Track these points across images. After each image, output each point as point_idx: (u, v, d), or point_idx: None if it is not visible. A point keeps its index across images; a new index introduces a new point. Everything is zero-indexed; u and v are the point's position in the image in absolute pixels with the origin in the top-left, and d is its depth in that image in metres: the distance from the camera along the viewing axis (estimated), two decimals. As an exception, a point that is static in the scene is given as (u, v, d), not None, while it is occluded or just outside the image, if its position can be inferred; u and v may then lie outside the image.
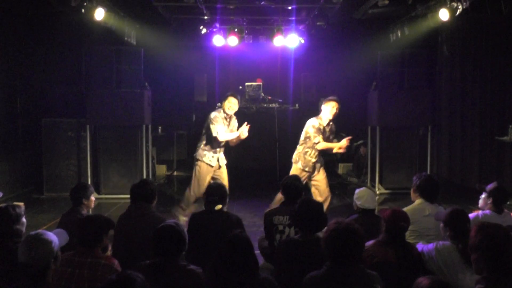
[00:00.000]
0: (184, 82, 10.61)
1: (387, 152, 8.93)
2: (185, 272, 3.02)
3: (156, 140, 9.87)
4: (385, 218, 3.47)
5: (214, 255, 2.99)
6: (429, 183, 4.38)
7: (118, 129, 8.48)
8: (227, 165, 6.52)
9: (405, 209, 4.06)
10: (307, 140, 6.18)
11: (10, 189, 8.20)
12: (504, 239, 2.65)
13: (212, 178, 6.30)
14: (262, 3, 8.45)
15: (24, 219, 3.61)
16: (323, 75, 10.63)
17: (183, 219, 5.77)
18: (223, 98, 6.40)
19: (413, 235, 4.05)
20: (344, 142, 6.06)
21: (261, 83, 9.89)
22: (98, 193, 8.49)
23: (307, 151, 6.17)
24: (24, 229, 3.60)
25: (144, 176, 8.33)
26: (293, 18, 9.51)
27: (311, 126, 6.14)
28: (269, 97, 9.79)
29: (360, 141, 10.15)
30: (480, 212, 4.36)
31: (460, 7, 7.02)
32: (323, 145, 6.12)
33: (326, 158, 6.38)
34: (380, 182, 8.86)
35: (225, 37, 9.62)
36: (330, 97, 6.23)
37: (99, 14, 7.48)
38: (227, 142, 6.36)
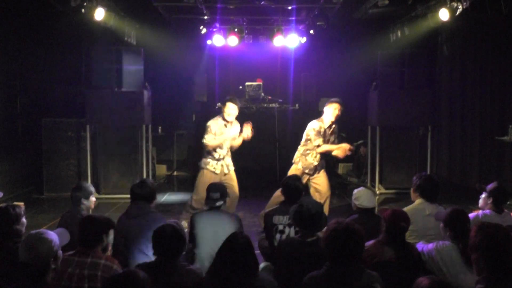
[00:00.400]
0: (184, 82, 10.61)
1: (387, 152, 8.93)
2: (185, 272, 3.02)
3: (156, 140, 9.86)
4: (385, 218, 3.47)
5: (214, 255, 2.98)
6: (429, 183, 4.38)
7: (118, 129, 8.48)
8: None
9: (405, 209, 4.06)
10: (308, 142, 6.17)
11: (10, 189, 8.20)
12: (504, 239, 2.65)
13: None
14: (262, 3, 8.45)
15: (24, 219, 3.61)
16: (323, 75, 10.63)
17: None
18: (222, 103, 6.28)
19: (413, 235, 4.05)
20: (346, 146, 6.04)
21: (261, 83, 9.89)
22: (98, 193, 8.49)
23: (308, 153, 6.17)
24: (24, 229, 3.60)
25: (144, 176, 8.33)
26: (293, 18, 9.51)
27: (312, 129, 6.11)
28: (269, 97, 9.79)
29: (360, 141, 10.15)
30: (480, 212, 4.36)
31: (460, 7, 7.02)
32: (324, 148, 6.09)
33: (326, 158, 6.37)
34: (380, 182, 8.87)
35: (225, 37, 9.62)
36: (333, 99, 6.21)
37: (99, 14, 7.48)
38: (231, 148, 6.25)
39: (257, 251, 3.81)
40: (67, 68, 9.28)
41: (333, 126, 6.25)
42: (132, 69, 8.42)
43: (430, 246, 3.49)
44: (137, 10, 8.91)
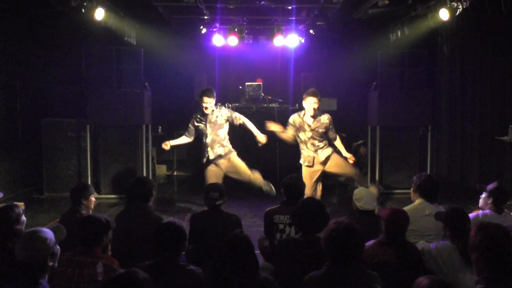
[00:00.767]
0: (184, 82, 10.61)
1: (387, 152, 8.93)
2: (185, 272, 3.02)
3: (156, 140, 9.85)
4: (384, 218, 3.47)
5: (214, 255, 2.99)
6: (429, 183, 4.39)
7: (118, 129, 8.48)
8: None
9: (405, 208, 4.06)
10: (298, 138, 6.37)
11: (10, 189, 8.20)
12: (504, 239, 2.65)
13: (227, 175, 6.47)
14: (262, 3, 8.45)
15: (23, 218, 3.61)
16: (323, 75, 10.62)
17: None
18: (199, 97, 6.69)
19: (413, 235, 4.05)
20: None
21: (261, 83, 9.88)
22: (98, 193, 8.49)
23: (301, 147, 6.37)
24: (24, 228, 3.60)
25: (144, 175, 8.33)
26: (293, 18, 9.51)
27: (288, 123, 6.40)
28: (269, 97, 9.78)
29: (360, 141, 10.14)
30: (480, 212, 4.37)
31: (460, 7, 7.02)
32: (273, 128, 6.37)
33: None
34: (380, 182, 8.86)
35: (225, 37, 9.62)
36: (308, 91, 6.32)
37: (99, 14, 7.48)
38: (213, 139, 6.47)
39: (257, 251, 3.82)
40: (67, 68, 9.27)
41: (321, 117, 6.29)
42: (132, 69, 8.41)
43: (430, 246, 3.49)
44: (137, 10, 8.90)
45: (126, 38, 8.95)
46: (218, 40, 9.66)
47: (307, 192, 5.96)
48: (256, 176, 6.61)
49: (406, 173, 8.73)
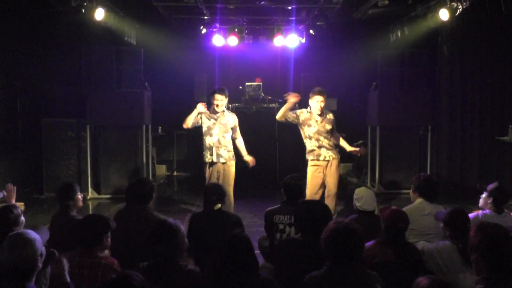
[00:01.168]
0: (184, 82, 10.60)
1: (387, 152, 8.93)
2: (184, 273, 3.02)
3: (156, 140, 9.86)
4: (384, 218, 3.47)
5: (214, 255, 2.98)
6: (428, 183, 4.39)
7: (118, 129, 8.48)
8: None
9: (404, 208, 4.07)
10: (303, 133, 6.36)
11: (10, 189, 8.19)
12: (504, 239, 2.64)
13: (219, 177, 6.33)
14: (262, 3, 8.45)
15: (22, 218, 3.60)
16: (323, 75, 10.60)
17: None
18: (210, 94, 6.54)
19: (412, 234, 4.06)
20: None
21: (261, 83, 9.88)
22: (98, 193, 8.50)
23: (305, 142, 6.35)
24: (23, 228, 3.59)
25: (144, 176, 8.33)
26: (293, 18, 9.50)
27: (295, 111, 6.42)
28: (269, 97, 9.78)
29: (360, 141, 10.14)
30: (480, 212, 4.36)
31: (460, 7, 7.02)
32: (280, 112, 6.42)
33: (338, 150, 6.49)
34: (380, 182, 8.86)
35: (225, 37, 9.61)
36: (314, 90, 6.33)
37: (99, 14, 7.48)
38: (219, 140, 6.32)
39: (257, 251, 3.81)
40: (67, 68, 9.27)
41: (327, 114, 6.33)
42: (132, 69, 8.42)
43: (430, 246, 3.49)
44: (137, 10, 8.90)
45: (126, 38, 8.95)
46: (218, 40, 9.66)
47: (308, 195, 5.95)
48: (231, 201, 6.29)
49: (406, 173, 8.73)
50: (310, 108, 6.37)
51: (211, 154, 6.31)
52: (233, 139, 6.46)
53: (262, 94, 9.76)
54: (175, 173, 10.12)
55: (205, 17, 9.37)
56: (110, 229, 3.35)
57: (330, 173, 6.26)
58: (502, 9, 6.53)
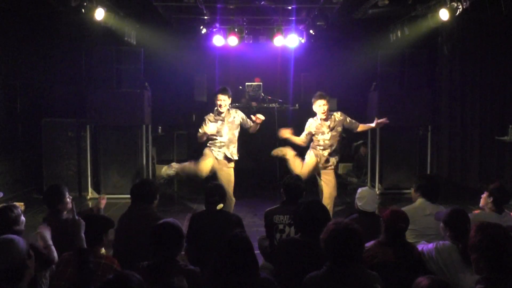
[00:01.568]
0: (184, 82, 10.61)
1: (387, 152, 8.93)
2: (184, 273, 3.02)
3: (156, 140, 9.86)
4: (384, 218, 3.47)
5: (214, 255, 2.98)
6: (430, 183, 4.39)
7: (118, 129, 8.48)
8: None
9: (405, 208, 4.07)
10: (316, 141, 6.31)
11: (10, 189, 8.20)
12: (504, 239, 2.64)
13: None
14: (262, 3, 8.45)
15: (23, 218, 3.61)
16: (323, 75, 10.61)
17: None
18: (214, 96, 6.51)
19: (413, 234, 4.05)
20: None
21: (261, 83, 9.88)
22: (98, 193, 8.49)
23: (312, 146, 6.35)
24: (23, 227, 3.60)
25: (144, 176, 8.33)
26: (293, 18, 9.50)
27: (305, 129, 6.36)
28: (269, 97, 9.78)
29: (360, 141, 10.14)
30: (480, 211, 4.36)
31: (460, 7, 7.01)
32: (291, 138, 6.39)
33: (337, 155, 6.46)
34: (380, 182, 8.86)
35: (225, 37, 9.61)
36: (316, 95, 6.29)
37: (99, 14, 7.47)
38: (230, 139, 6.34)
39: (257, 251, 3.81)
40: (67, 68, 9.27)
41: (333, 116, 6.29)
42: (132, 69, 8.42)
43: (430, 246, 3.49)
44: (137, 10, 8.90)
45: (126, 38, 8.95)
46: (218, 40, 9.66)
47: (298, 171, 6.00)
48: (232, 200, 6.32)
49: (406, 173, 8.73)
50: (317, 116, 6.31)
51: (223, 153, 6.34)
52: (250, 128, 6.49)
53: (262, 94, 9.76)
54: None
55: (205, 17, 9.37)
56: (109, 228, 3.35)
57: (328, 181, 6.25)
58: (502, 9, 6.53)
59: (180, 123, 10.94)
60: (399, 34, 9.06)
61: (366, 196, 4.31)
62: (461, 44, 9.45)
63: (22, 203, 5.64)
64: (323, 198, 6.20)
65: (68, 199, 4.20)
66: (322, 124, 6.24)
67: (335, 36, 10.29)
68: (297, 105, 10.17)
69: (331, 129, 6.24)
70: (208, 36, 9.85)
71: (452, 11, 7.15)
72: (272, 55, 10.77)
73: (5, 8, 7.74)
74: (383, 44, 9.43)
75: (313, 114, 6.44)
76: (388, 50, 9.00)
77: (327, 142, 6.25)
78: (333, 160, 6.33)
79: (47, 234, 3.52)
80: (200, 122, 6.53)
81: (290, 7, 8.92)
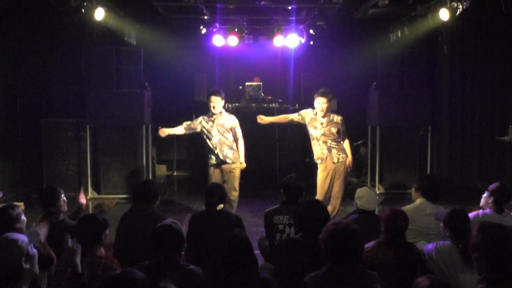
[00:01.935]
0: (184, 82, 10.60)
1: (387, 152, 8.93)
2: (185, 272, 3.02)
3: (156, 140, 9.85)
4: (384, 218, 3.47)
5: (214, 255, 2.98)
6: (431, 183, 4.39)
7: (118, 129, 8.48)
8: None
9: (405, 208, 4.07)
10: (310, 135, 6.29)
11: (10, 189, 8.20)
12: (506, 239, 2.64)
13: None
14: (262, 3, 8.46)
15: (24, 217, 3.62)
16: (323, 75, 10.60)
17: None
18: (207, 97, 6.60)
19: (413, 234, 4.05)
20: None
21: (260, 83, 9.88)
22: (98, 193, 8.50)
23: (313, 143, 6.27)
24: (24, 227, 3.61)
25: (144, 176, 8.33)
26: (293, 18, 9.50)
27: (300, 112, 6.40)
28: (269, 97, 9.78)
29: (360, 141, 10.14)
30: (480, 211, 4.36)
31: (460, 7, 7.01)
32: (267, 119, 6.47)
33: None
34: (380, 182, 8.86)
35: (225, 37, 9.61)
36: (318, 92, 6.29)
37: (99, 14, 7.47)
38: (220, 140, 6.31)
39: (257, 251, 3.81)
40: (67, 68, 9.27)
41: (332, 116, 6.27)
42: (132, 69, 8.42)
43: (430, 246, 3.49)
44: (137, 10, 8.90)
45: (126, 38, 8.95)
46: (218, 40, 9.65)
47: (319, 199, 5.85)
48: (235, 201, 6.38)
49: (406, 173, 8.74)
50: (315, 110, 6.32)
51: (215, 155, 6.33)
52: (236, 141, 6.44)
53: (262, 94, 9.76)
54: (175, 173, 10.12)
55: (205, 17, 9.37)
56: (108, 227, 3.36)
57: (339, 175, 6.20)
58: (502, 9, 6.53)
59: (180, 123, 10.94)
60: (399, 34, 9.06)
61: (365, 195, 4.32)
62: (461, 44, 9.45)
63: (22, 203, 5.64)
64: (333, 192, 6.20)
65: (62, 202, 4.16)
66: (316, 119, 6.24)
67: (335, 36, 10.29)
68: (297, 105, 10.15)
69: (324, 127, 6.21)
70: (208, 36, 9.85)
71: (452, 11, 7.15)
72: (272, 55, 10.77)
73: (5, 8, 7.73)
74: (383, 44, 9.43)
75: None
76: (388, 50, 9.00)
77: (318, 137, 6.22)
78: (339, 156, 6.20)
79: (42, 232, 3.52)
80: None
81: (290, 7, 8.92)
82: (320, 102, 6.20)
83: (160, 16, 9.09)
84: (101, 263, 3.14)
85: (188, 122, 6.55)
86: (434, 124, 9.30)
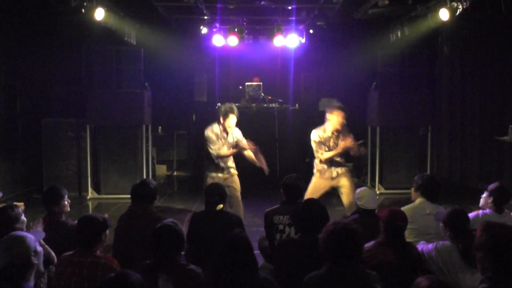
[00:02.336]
0: (184, 82, 10.61)
1: (387, 152, 8.93)
2: (185, 272, 3.02)
3: (156, 140, 9.86)
4: (383, 218, 3.47)
5: (214, 255, 2.98)
6: (431, 183, 4.38)
7: (118, 129, 8.48)
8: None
9: (405, 207, 4.07)
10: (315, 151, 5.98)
11: (10, 189, 8.19)
12: (509, 239, 2.64)
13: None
14: (262, 3, 8.46)
15: (23, 217, 3.63)
16: (323, 75, 10.62)
17: None
18: (224, 115, 6.03)
19: (412, 234, 4.05)
20: (346, 142, 5.84)
21: (261, 83, 9.88)
22: (98, 193, 8.50)
23: (316, 155, 5.97)
24: (24, 227, 3.61)
25: (144, 176, 8.33)
26: (293, 18, 9.50)
27: (313, 141, 5.88)
28: (269, 97, 9.78)
29: (360, 141, 10.11)
30: (480, 211, 4.36)
31: (460, 7, 7.01)
32: (326, 155, 5.83)
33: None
34: (380, 182, 8.86)
35: (225, 37, 9.61)
36: (335, 105, 5.91)
37: (99, 14, 7.47)
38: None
39: (257, 251, 3.81)
40: (67, 68, 9.27)
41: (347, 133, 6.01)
42: (132, 69, 8.42)
43: (430, 246, 3.49)
44: (137, 10, 8.91)
45: (126, 38, 8.95)
46: (218, 40, 9.65)
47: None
48: (241, 206, 6.18)
49: (406, 173, 8.73)
50: (324, 126, 5.91)
51: (217, 168, 6.09)
52: (243, 150, 6.18)
53: (262, 94, 9.76)
54: (175, 173, 10.12)
55: (205, 17, 9.37)
56: (107, 228, 3.36)
57: (347, 190, 5.91)
58: (502, 9, 6.53)
59: (180, 123, 10.95)
60: (399, 34, 9.06)
61: (366, 195, 4.31)
62: (461, 44, 9.45)
63: (22, 203, 5.63)
64: (345, 209, 5.91)
65: (65, 202, 4.15)
66: (331, 136, 5.89)
67: (335, 36, 10.29)
68: (297, 105, 10.17)
69: (333, 142, 5.93)
70: (208, 36, 9.85)
71: (452, 11, 7.15)
72: (272, 55, 10.77)
73: (5, 8, 7.73)
74: (383, 44, 9.43)
75: (313, 114, 6.40)
76: (388, 50, 9.00)
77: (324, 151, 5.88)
78: (338, 170, 5.99)
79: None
80: (200, 122, 6.48)
81: (290, 7, 8.92)
82: (340, 116, 5.81)
83: (160, 16, 9.10)
84: (101, 263, 3.14)
85: (215, 153, 6.05)
86: (434, 124, 9.31)
